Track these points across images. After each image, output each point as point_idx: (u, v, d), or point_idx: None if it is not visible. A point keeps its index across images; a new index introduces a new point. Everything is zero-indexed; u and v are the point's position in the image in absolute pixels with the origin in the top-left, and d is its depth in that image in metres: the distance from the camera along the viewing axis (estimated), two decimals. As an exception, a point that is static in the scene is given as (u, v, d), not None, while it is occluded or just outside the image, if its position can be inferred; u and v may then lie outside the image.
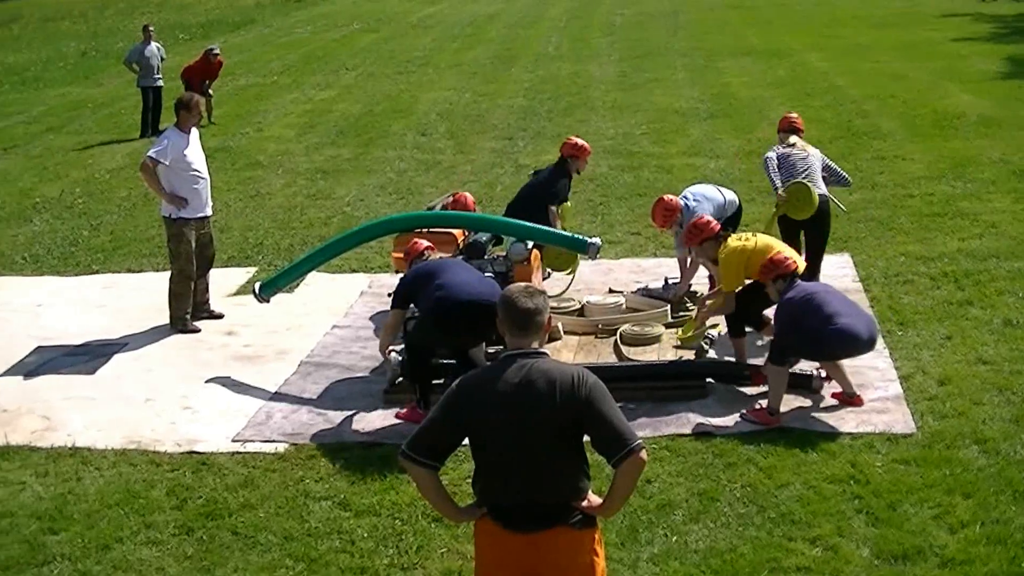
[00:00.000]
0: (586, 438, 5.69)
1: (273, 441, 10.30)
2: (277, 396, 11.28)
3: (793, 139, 13.07)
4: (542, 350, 5.77)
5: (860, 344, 10.17)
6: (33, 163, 23.61)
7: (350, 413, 10.75)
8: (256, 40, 45.32)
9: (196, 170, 13.10)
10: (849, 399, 10.38)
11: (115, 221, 18.33)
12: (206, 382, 11.72)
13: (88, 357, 12.65)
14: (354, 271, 14.86)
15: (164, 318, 13.27)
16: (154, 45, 26.19)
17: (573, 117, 24.64)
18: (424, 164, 20.92)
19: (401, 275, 11.26)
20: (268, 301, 12.61)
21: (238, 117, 27.31)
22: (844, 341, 10.07)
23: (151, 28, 26.98)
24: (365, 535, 8.70)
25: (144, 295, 14.31)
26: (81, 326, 13.52)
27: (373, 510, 9.03)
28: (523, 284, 5.99)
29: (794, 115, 13.69)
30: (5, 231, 18.13)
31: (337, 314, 13.37)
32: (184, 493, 9.48)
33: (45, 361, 12.62)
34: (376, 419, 10.59)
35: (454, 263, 11.07)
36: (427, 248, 11.39)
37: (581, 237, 12.68)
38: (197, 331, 13.09)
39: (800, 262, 10.90)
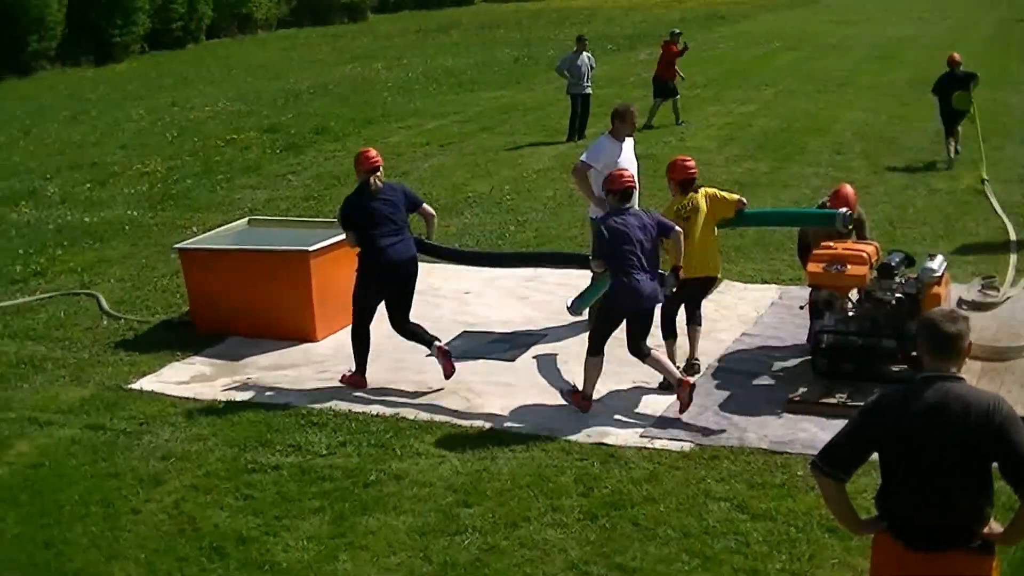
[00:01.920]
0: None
1: (679, 440, 10.38)
2: (685, 397, 11.34)
3: None
4: (960, 375, 5.65)
5: (640, 301, 10.93)
6: (466, 160, 24.48)
7: (754, 418, 10.71)
8: (680, 53, 45.60)
9: None
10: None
11: (540, 219, 18.81)
12: (617, 379, 11.89)
13: (509, 345, 13.07)
14: (765, 282, 14.80)
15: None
16: (585, 55, 26.73)
17: (988, 144, 23.69)
18: (838, 182, 20.55)
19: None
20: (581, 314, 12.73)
21: (662, 126, 27.53)
22: (627, 295, 10.88)
23: (586, 39, 27.56)
24: (760, 539, 8.67)
25: (565, 290, 14.53)
26: (504, 316, 13.95)
27: (770, 515, 8.99)
28: (946, 309, 5.91)
29: None
30: (439, 222, 18.75)
31: (747, 322, 13.33)
32: (591, 482, 9.66)
33: (469, 346, 13.07)
34: (779, 426, 10.51)
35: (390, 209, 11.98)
36: (376, 162, 12.08)
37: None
38: None
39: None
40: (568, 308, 11.81)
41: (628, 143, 13.36)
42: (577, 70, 26.40)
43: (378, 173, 12.13)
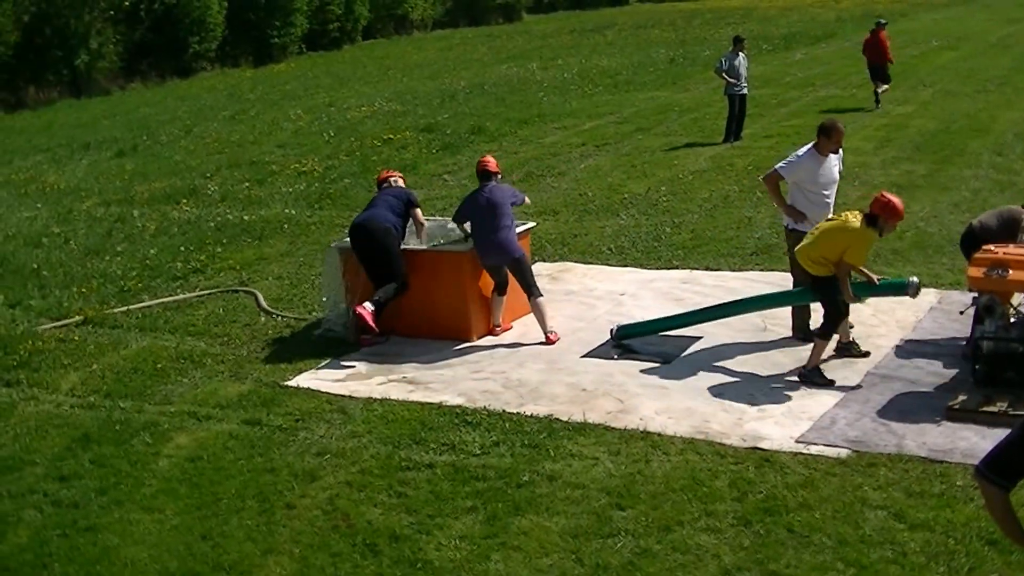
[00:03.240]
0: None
1: (836, 446, 10.19)
2: (842, 403, 11.16)
3: None
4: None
5: (487, 257, 13.53)
6: (622, 160, 24.41)
7: (912, 426, 10.49)
8: (836, 53, 44.93)
9: (823, 193, 12.94)
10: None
11: (696, 220, 18.68)
12: (774, 383, 11.77)
13: (664, 347, 12.96)
14: (924, 286, 14.50)
15: (740, 317, 13.35)
16: (742, 55, 26.52)
17: None
18: (1000, 184, 20.08)
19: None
20: (618, 344, 12.97)
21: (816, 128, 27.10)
22: (478, 252, 13.57)
23: (743, 39, 27.36)
24: (917, 549, 8.49)
25: (721, 292, 14.45)
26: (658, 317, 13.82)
27: (927, 525, 8.80)
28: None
29: None
30: (594, 222, 18.83)
31: (906, 328, 13.08)
32: (745, 486, 9.55)
33: (625, 348, 13.03)
34: (939, 435, 10.27)
35: (378, 199, 14.26)
36: (390, 176, 14.79)
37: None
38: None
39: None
40: (611, 332, 13.30)
41: (833, 158, 13.03)
42: (735, 71, 26.22)
43: (393, 180, 14.63)
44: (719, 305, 13.28)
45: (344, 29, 66.10)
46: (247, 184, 24.39)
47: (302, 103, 38.38)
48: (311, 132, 31.53)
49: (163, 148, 31.13)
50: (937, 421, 10.59)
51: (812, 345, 11.93)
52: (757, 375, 12.00)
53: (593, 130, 28.81)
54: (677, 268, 15.93)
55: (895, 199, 11.59)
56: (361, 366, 13.07)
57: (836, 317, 11.85)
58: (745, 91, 26.44)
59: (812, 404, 11.14)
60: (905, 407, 10.97)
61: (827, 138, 12.91)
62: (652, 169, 23.26)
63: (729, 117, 26.23)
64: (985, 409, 10.61)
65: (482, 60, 51.46)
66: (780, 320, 13.33)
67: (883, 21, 30.95)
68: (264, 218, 20.97)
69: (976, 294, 11.63)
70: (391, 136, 29.06)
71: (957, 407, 10.74)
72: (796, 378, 11.80)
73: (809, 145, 13.17)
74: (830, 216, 12.42)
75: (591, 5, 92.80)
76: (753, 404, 11.24)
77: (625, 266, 16.31)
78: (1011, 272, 11.11)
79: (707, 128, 27.86)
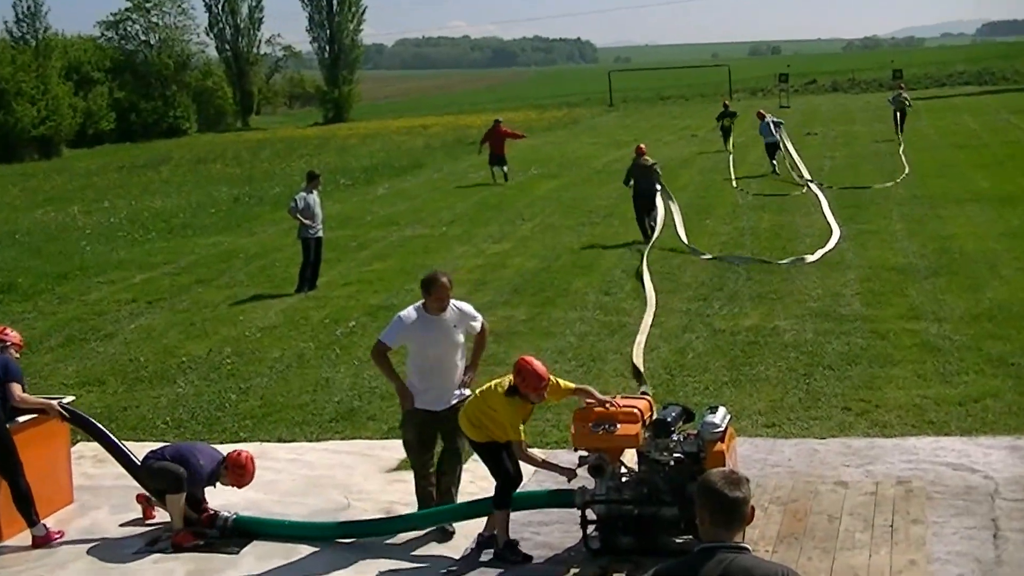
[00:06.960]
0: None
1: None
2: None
3: None
4: (744, 544, 5.64)
5: None
6: (179, 318, 24.14)
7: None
8: (425, 186, 45.94)
9: (437, 359, 12.41)
10: None
11: (266, 384, 18.58)
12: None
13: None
14: (531, 447, 14.75)
15: (317, 493, 13.28)
16: (316, 193, 26.43)
17: (775, 275, 24.24)
18: (608, 327, 20.72)
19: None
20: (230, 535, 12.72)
21: (403, 272, 27.52)
22: None
23: (319, 175, 27.49)
24: None
25: (298, 467, 14.37)
26: (224, 499, 13.55)
27: None
28: (726, 470, 5.85)
29: None
30: (147, 392, 18.44)
31: (508, 495, 13.29)
32: None
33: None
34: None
35: None
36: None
37: None
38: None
39: None
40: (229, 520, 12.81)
41: (447, 317, 12.39)
42: (310, 210, 26.08)
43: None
44: (367, 521, 12.72)
45: None
46: None
47: None
48: None
49: None
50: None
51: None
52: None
53: (145, 284, 28.51)
54: (245, 441, 15.67)
55: (529, 362, 11.48)
56: None
57: (507, 484, 11.74)
58: (321, 233, 26.58)
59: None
60: (513, 585, 11.07)
61: (427, 293, 12.29)
62: (214, 327, 23.11)
63: (303, 264, 26.27)
64: (600, 582, 10.80)
65: (13, 204, 50.41)
66: (365, 495, 13.35)
67: (500, 119, 40.17)
68: None
69: (583, 453, 11.80)
70: (-96, 300, 28.03)
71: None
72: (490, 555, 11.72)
73: (417, 303, 12.56)
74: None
75: (143, 137, 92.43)
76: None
77: (185, 442, 15.90)
78: (619, 427, 11.34)
79: (277, 277, 27.95)
